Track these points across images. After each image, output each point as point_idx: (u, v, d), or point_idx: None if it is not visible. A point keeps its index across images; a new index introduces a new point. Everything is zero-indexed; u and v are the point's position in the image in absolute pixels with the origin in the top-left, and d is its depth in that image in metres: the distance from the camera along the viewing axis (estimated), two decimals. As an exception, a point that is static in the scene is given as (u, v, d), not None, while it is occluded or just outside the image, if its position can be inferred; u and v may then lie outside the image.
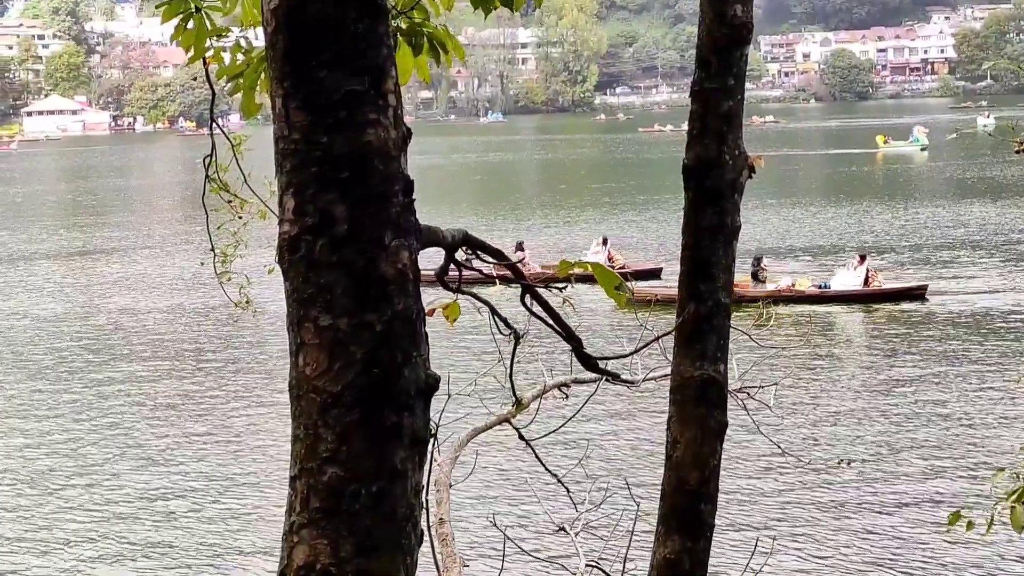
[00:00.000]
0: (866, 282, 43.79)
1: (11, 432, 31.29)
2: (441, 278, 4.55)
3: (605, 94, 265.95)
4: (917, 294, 43.75)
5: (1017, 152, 10.33)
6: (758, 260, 47.41)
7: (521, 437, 8.83)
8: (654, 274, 44.78)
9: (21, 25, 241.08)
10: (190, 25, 5.70)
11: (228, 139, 9.15)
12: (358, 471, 3.80)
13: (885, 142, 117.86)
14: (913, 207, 71.24)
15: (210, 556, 22.37)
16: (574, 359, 8.87)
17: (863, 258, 45.09)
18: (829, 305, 43.20)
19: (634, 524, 9.01)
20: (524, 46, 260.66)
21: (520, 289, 4.96)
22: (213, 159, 8.69)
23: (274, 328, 40.48)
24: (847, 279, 44.07)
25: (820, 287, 44.42)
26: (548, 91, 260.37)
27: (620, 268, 43.63)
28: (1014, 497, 8.16)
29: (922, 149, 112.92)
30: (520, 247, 48.11)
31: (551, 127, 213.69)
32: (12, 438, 30.76)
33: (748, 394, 9.89)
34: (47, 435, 30.98)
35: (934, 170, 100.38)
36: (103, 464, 28.14)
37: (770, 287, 44.25)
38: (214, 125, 8.63)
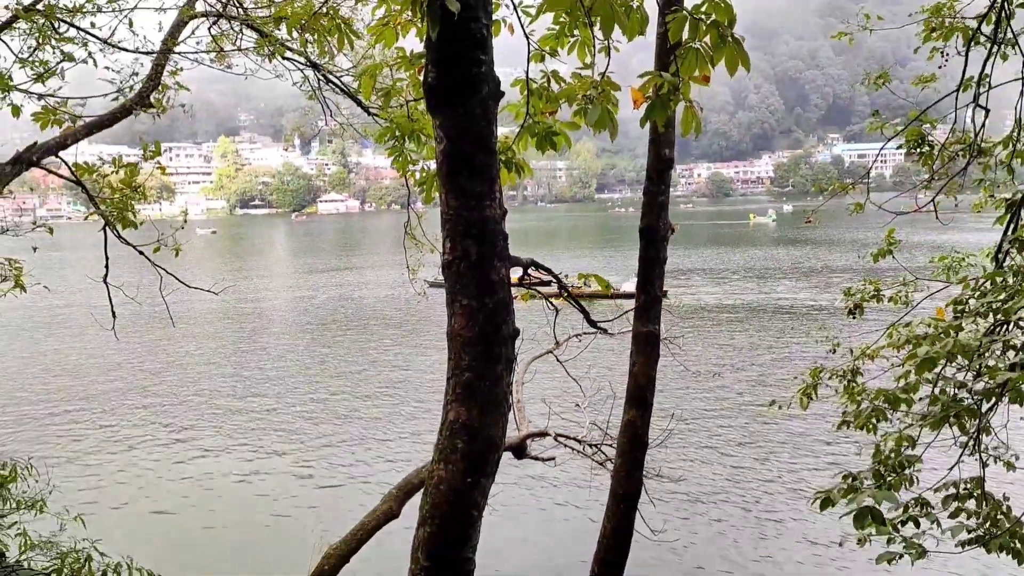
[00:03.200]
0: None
1: (287, 380, 30.06)
2: (520, 281, 4.53)
3: (601, 192, 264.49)
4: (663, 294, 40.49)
5: (807, 223, 10.07)
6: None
7: (557, 359, 8.78)
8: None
9: (317, 158, 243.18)
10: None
11: (415, 213, 9.16)
12: (480, 374, 3.82)
13: (753, 217, 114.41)
14: (754, 249, 69.78)
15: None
16: (583, 323, 8.81)
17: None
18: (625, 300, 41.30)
19: (612, 404, 8.92)
20: (560, 168, 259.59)
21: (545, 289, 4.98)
22: (408, 221, 8.71)
23: (435, 308, 40.45)
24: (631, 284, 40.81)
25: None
26: (572, 191, 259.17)
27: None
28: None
29: (772, 220, 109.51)
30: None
31: (572, 208, 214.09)
32: (288, 386, 29.59)
33: (670, 340, 9.76)
34: (322, 380, 30.77)
35: (776, 230, 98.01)
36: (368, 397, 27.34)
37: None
38: (409, 206, 8.66)
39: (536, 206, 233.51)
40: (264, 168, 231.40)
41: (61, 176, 7.53)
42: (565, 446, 8.81)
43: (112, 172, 7.26)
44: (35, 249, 8.18)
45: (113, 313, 7.53)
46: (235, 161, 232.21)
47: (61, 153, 7.55)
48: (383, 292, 48.65)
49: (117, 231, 7.35)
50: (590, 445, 8.59)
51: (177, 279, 7.48)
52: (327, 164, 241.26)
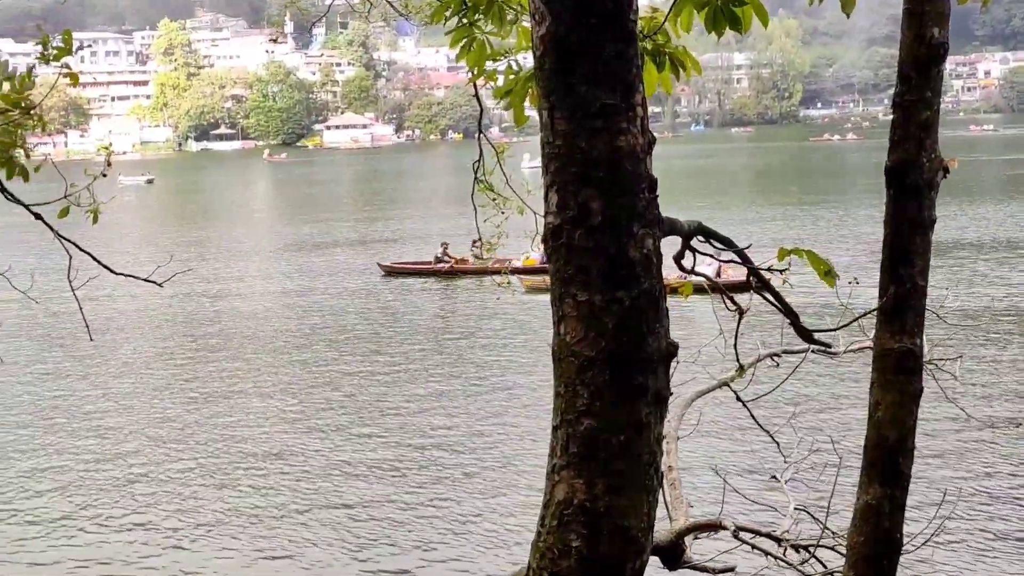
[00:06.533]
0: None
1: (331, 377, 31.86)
2: (678, 261, 4.52)
3: (810, 107, 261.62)
4: None
5: None
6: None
7: (738, 398, 8.74)
8: None
9: (322, 55, 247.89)
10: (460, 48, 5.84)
11: (493, 147, 9.25)
12: (609, 422, 3.83)
13: None
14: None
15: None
16: (783, 334, 8.74)
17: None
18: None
19: (837, 474, 8.86)
20: (738, 68, 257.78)
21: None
22: (481, 164, 8.79)
23: (529, 304, 40.94)
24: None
25: None
26: (759, 106, 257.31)
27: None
28: None
29: None
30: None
31: (738, 137, 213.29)
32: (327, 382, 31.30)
33: (936, 365, 9.58)
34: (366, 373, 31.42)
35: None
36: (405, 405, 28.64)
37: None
38: (481, 136, 8.74)
39: (690, 131, 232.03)
40: (235, 73, 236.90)
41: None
42: (752, 547, 8.74)
43: (-7, 83, 7.50)
44: None
45: (-8, 318, 7.85)
46: (187, 62, 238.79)
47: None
48: (429, 288, 49.29)
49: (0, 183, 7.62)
50: (797, 546, 8.50)
51: (98, 261, 7.70)
52: (339, 64, 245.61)
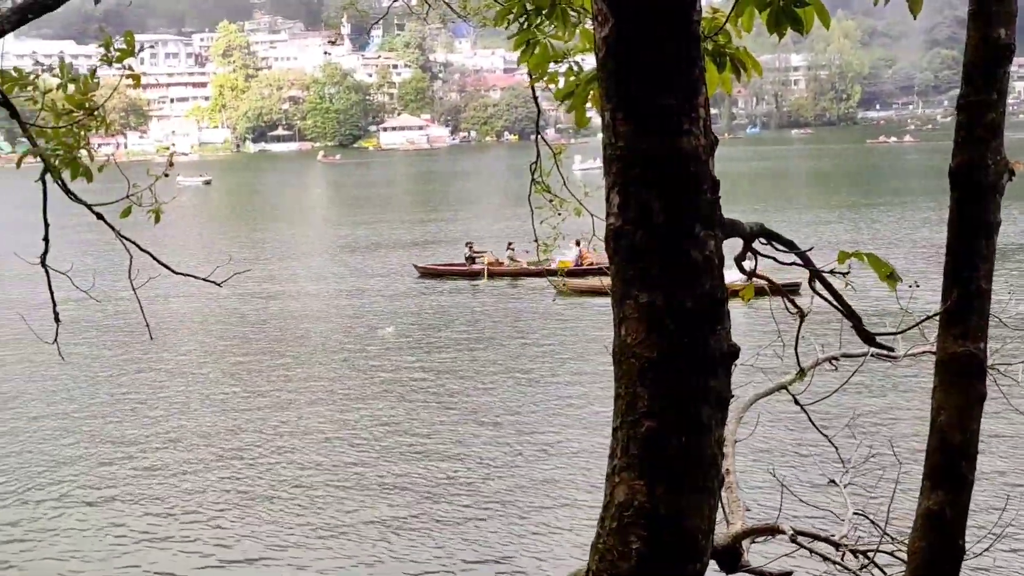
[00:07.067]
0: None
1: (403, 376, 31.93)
2: (739, 263, 4.50)
3: (869, 109, 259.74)
4: None
5: None
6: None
7: (796, 401, 8.70)
8: None
9: (379, 56, 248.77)
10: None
11: (551, 149, 9.26)
12: (670, 424, 3.82)
13: None
14: None
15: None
16: (841, 337, 8.66)
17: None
18: None
19: (896, 479, 8.78)
20: (796, 69, 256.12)
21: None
22: (538, 165, 8.81)
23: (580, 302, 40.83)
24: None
25: None
26: (816, 108, 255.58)
27: (591, 264, 43.06)
28: None
29: None
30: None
31: (796, 139, 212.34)
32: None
33: (998, 370, 9.47)
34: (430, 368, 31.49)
35: None
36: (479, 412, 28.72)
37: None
38: (538, 138, 8.76)
39: (746, 134, 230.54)
40: (292, 74, 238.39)
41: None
42: (810, 552, 8.68)
43: (59, 85, 7.55)
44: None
45: (56, 316, 7.88)
46: (245, 64, 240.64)
47: (-23, 54, 7.91)
48: (462, 289, 49.49)
49: (63, 182, 7.61)
50: (856, 551, 8.43)
51: (158, 261, 7.73)
52: (395, 66, 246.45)
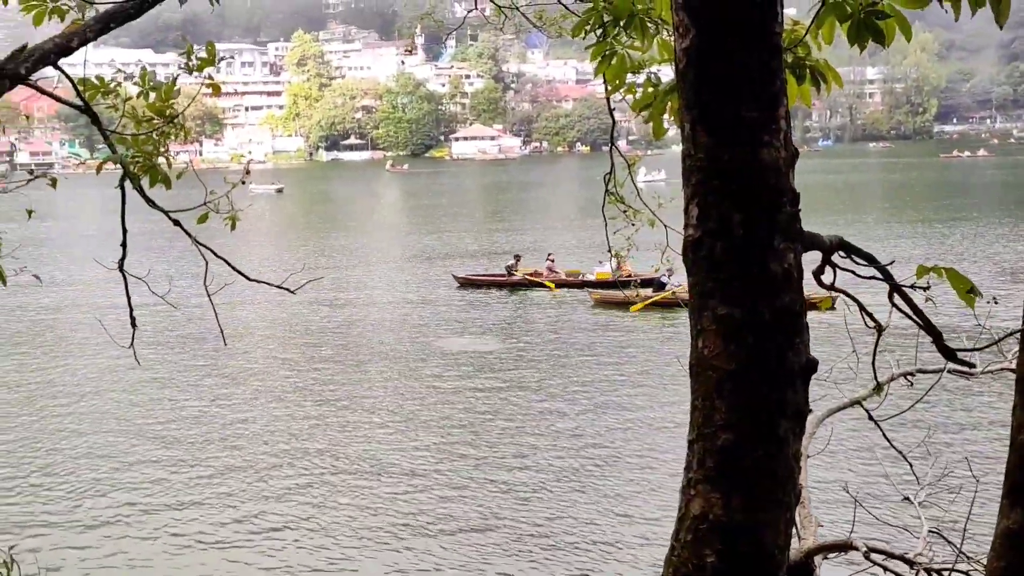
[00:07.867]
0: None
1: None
2: (817, 276, 4.47)
3: (945, 122, 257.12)
4: None
5: None
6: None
7: (871, 417, 8.57)
8: (655, 282, 42.05)
9: (452, 67, 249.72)
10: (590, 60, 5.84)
11: (625, 160, 9.24)
12: (747, 437, 3.80)
13: None
14: None
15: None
16: (917, 353, 8.56)
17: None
18: None
19: (973, 498, 8.64)
20: (871, 82, 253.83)
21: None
22: (612, 176, 8.79)
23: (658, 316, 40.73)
24: None
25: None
26: (891, 121, 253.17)
27: (627, 276, 42.66)
28: None
29: None
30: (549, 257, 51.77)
31: (873, 152, 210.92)
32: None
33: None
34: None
35: None
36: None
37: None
38: (612, 149, 8.74)
39: (819, 147, 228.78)
40: (366, 84, 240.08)
41: (57, 99, 7.95)
42: (884, 569, 8.57)
43: (140, 93, 7.63)
44: (30, 214, 8.78)
45: (133, 321, 7.96)
46: (319, 73, 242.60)
47: (62, 62, 7.98)
48: (503, 300, 49.62)
49: (142, 188, 7.67)
50: (931, 570, 8.31)
51: (233, 268, 7.77)
52: (468, 76, 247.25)
